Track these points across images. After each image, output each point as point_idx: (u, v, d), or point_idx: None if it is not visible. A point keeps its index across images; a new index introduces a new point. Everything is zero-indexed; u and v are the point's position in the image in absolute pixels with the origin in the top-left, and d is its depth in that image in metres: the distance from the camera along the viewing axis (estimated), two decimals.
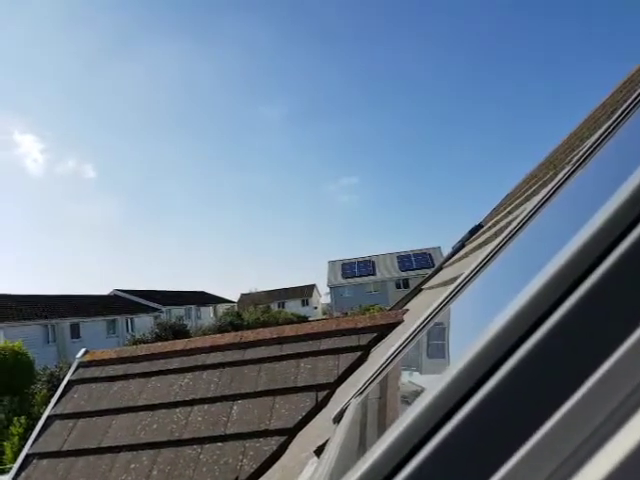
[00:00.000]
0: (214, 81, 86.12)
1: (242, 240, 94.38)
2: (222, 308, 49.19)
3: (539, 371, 0.40)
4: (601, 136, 1.07)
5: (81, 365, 3.10)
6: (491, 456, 0.39)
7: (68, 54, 73.67)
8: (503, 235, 1.09)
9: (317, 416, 2.30)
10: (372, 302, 39.28)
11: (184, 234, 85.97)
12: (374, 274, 48.86)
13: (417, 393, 0.75)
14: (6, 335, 24.86)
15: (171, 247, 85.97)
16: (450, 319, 1.05)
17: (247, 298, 57.75)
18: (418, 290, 5.18)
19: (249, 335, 3.04)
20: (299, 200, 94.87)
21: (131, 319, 37.82)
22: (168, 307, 41.91)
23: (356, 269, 50.04)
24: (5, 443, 13.46)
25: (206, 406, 2.56)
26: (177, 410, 2.59)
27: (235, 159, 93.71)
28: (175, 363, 2.94)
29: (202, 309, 48.62)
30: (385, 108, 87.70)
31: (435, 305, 1.13)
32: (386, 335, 2.76)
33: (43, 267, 73.35)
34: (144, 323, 35.94)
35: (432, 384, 0.54)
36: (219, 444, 2.32)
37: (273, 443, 2.25)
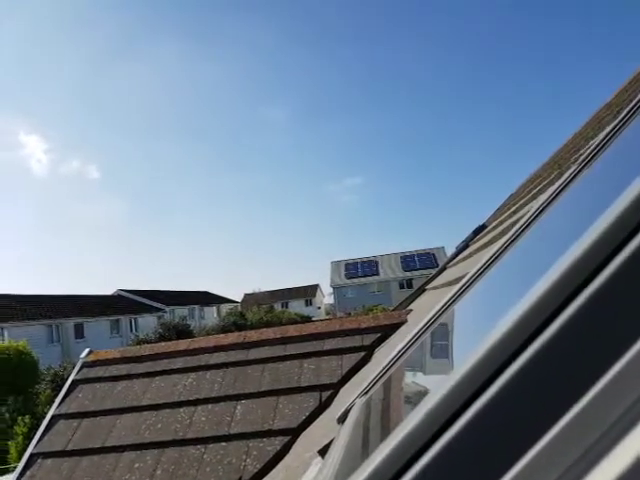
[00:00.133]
0: (216, 81, 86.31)
1: (246, 240, 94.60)
2: (225, 308, 49.26)
3: (544, 375, 0.40)
4: (607, 136, 1.07)
5: (85, 365, 3.11)
6: (495, 462, 0.39)
7: (72, 55, 73.95)
8: (508, 235, 1.09)
9: (321, 416, 2.30)
10: (375, 302, 39.24)
11: (188, 234, 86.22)
12: (377, 274, 48.82)
13: (421, 394, 0.75)
14: (10, 335, 24.95)
15: (175, 247, 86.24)
16: (454, 320, 1.05)
17: (250, 298, 57.85)
18: (422, 290, 5.17)
19: (253, 335, 3.04)
20: (302, 200, 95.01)
21: (135, 319, 37.91)
22: (171, 307, 41.99)
23: (359, 269, 50.02)
24: (9, 442, 13.52)
25: (210, 406, 2.56)
26: (181, 410, 2.59)
27: (238, 159, 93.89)
28: (179, 363, 2.94)
29: (205, 309, 48.69)
30: (387, 108, 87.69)
31: (439, 306, 1.12)
32: (390, 335, 2.76)
33: (47, 267, 73.71)
34: (148, 323, 36.01)
35: (437, 386, 0.54)
36: (223, 444, 2.33)
37: (277, 443, 2.25)
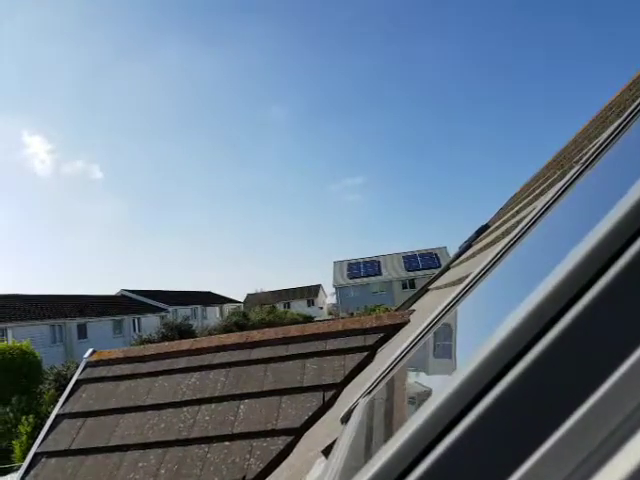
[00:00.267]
0: (217, 80, 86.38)
1: (248, 240, 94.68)
2: (228, 308, 49.31)
3: (549, 377, 0.40)
4: (610, 135, 1.06)
5: (89, 365, 3.12)
6: (499, 464, 0.39)
7: (74, 55, 74.11)
8: (511, 235, 1.09)
9: (324, 416, 2.30)
10: (378, 302, 39.19)
11: (190, 234, 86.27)
12: (380, 274, 48.77)
13: (425, 395, 0.75)
14: (14, 335, 25.04)
15: (178, 247, 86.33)
16: (458, 320, 1.05)
17: (253, 298, 57.88)
18: (425, 290, 5.17)
19: (255, 335, 3.05)
20: (304, 200, 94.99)
21: (138, 319, 37.98)
22: (174, 307, 42.05)
23: (362, 269, 49.98)
24: (14, 442, 13.56)
25: (213, 405, 2.57)
26: (184, 409, 2.60)
27: (240, 159, 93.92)
28: (182, 363, 2.95)
29: (208, 309, 48.75)
30: (390, 108, 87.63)
31: (443, 306, 1.13)
32: (392, 335, 2.76)
33: (51, 267, 73.90)
34: (150, 323, 36.08)
35: (440, 387, 0.54)
36: (226, 443, 2.33)
37: (280, 443, 2.25)
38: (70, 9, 72.47)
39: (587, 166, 1.10)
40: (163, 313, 39.98)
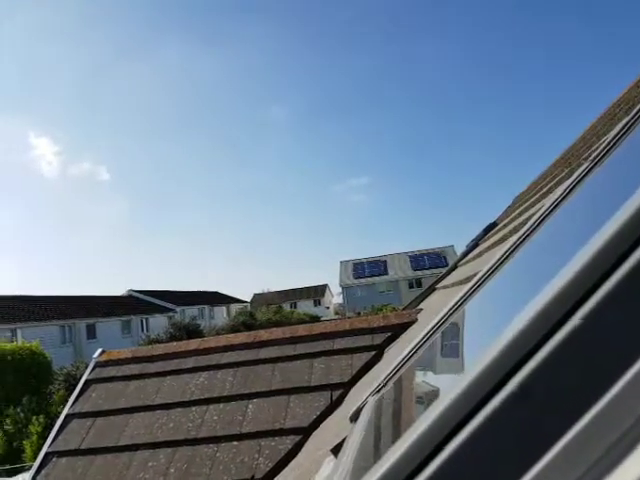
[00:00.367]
0: (219, 81, 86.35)
1: (253, 241, 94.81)
2: (235, 308, 49.44)
3: (557, 378, 0.39)
4: (619, 132, 1.06)
5: (98, 365, 3.14)
6: (508, 465, 0.39)
7: (79, 57, 74.49)
8: (520, 233, 1.08)
9: (332, 415, 2.31)
10: (384, 302, 39.13)
11: (197, 234, 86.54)
12: (386, 274, 48.69)
13: (434, 394, 0.75)
14: (23, 336, 25.23)
15: (185, 247, 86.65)
16: (466, 319, 1.04)
17: (260, 298, 58.01)
18: (432, 289, 5.16)
19: (263, 335, 3.05)
20: (310, 200, 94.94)
21: (146, 319, 38.17)
22: (182, 307, 42.22)
23: (368, 269, 49.92)
24: (24, 442, 13.69)
25: (221, 405, 2.58)
26: (193, 409, 2.61)
27: (242, 159, 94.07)
28: (190, 363, 2.96)
29: (215, 309, 48.90)
30: (390, 108, 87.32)
31: (451, 305, 1.12)
32: (400, 335, 2.75)
33: (59, 268, 74.39)
34: (158, 323, 36.23)
35: (449, 387, 0.54)
36: (235, 443, 2.34)
37: (288, 442, 2.26)
38: (71, 9, 72.83)
39: (596, 163, 1.09)
40: (171, 313, 40.14)
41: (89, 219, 77.32)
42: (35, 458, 2.69)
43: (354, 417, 1.16)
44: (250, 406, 2.52)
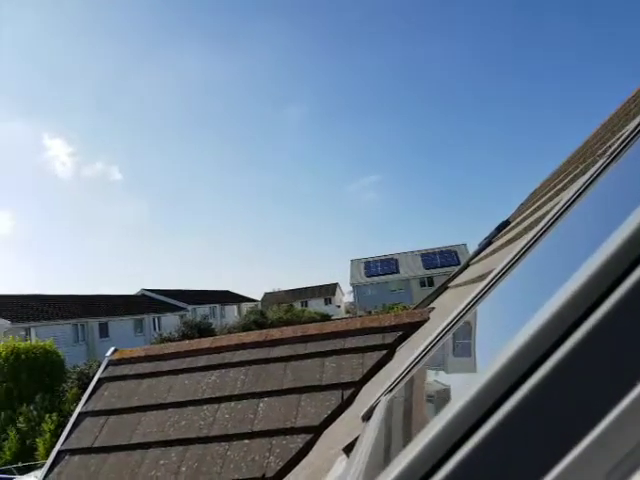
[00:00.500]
0: (234, 82, 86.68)
1: (264, 239, 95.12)
2: (246, 307, 49.64)
3: (575, 381, 0.38)
4: (637, 127, 1.03)
5: (111, 363, 3.16)
6: (524, 468, 0.38)
7: (92, 59, 75.19)
8: (535, 231, 1.06)
9: (343, 414, 2.30)
10: (395, 301, 39.06)
11: (208, 234, 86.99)
12: (397, 272, 48.55)
13: (446, 395, 0.73)
14: (37, 334, 25.58)
15: (196, 247, 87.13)
16: (480, 319, 1.03)
17: (270, 297, 58.17)
18: (444, 288, 5.12)
19: (274, 333, 3.05)
20: (320, 199, 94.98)
21: (158, 318, 38.48)
22: (193, 306, 42.50)
23: (379, 267, 49.81)
24: (38, 439, 13.87)
25: (233, 403, 2.58)
26: (204, 407, 2.61)
27: (257, 159, 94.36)
28: (202, 361, 2.97)
29: (226, 308, 49.16)
30: (404, 107, 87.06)
31: (464, 304, 1.11)
32: (412, 334, 2.74)
33: (71, 268, 75.29)
34: (170, 322, 36.53)
35: (464, 387, 0.53)
36: (246, 441, 2.34)
37: (299, 441, 2.25)
38: (86, 13, 73.61)
39: (613, 159, 1.07)
40: (182, 312, 40.43)
41: (103, 219, 78.17)
42: (48, 456, 2.72)
43: (366, 416, 1.15)
44: (261, 405, 2.52)
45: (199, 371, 2.90)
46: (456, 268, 5.74)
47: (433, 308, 3.22)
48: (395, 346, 2.69)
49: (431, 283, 43.48)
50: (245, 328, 28.99)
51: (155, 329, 36.52)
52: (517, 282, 0.99)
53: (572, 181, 2.52)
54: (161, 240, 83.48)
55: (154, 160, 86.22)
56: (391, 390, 1.08)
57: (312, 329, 2.99)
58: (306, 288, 64.95)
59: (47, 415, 14.46)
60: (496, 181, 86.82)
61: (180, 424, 2.55)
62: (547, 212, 1.88)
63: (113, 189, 79.72)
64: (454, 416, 0.45)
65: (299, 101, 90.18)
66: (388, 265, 49.80)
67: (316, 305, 58.50)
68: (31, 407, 15.63)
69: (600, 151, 2.39)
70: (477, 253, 5.21)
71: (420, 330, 2.68)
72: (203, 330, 28.29)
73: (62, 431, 2.78)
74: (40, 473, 2.62)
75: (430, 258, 48.53)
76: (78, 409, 2.87)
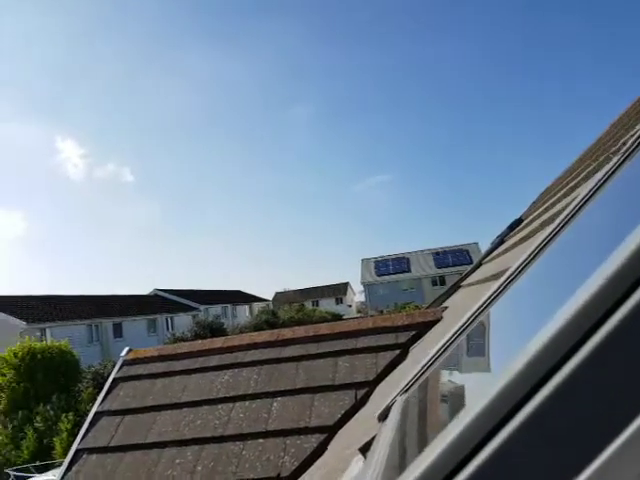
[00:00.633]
0: (242, 82, 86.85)
1: (275, 239, 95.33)
2: (257, 307, 49.79)
3: (597, 385, 0.38)
4: None
5: (125, 363, 3.19)
6: (555, 462, 0.38)
7: (102, 61, 75.82)
8: (549, 231, 1.06)
9: (357, 414, 2.30)
10: (407, 300, 38.90)
11: (219, 234, 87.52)
12: (409, 271, 48.33)
13: (464, 396, 0.73)
14: (52, 335, 25.89)
15: (208, 247, 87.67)
16: (494, 320, 1.03)
17: (281, 297, 58.32)
18: (457, 287, 5.10)
19: (286, 333, 3.06)
20: (331, 199, 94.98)
21: (171, 318, 38.75)
22: (205, 306, 42.72)
23: (390, 266, 49.63)
24: (55, 439, 14.04)
25: (247, 403, 2.60)
26: (219, 407, 2.63)
27: (268, 159, 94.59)
28: (214, 361, 2.98)
29: (238, 307, 49.37)
30: (413, 107, 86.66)
31: (479, 303, 1.10)
32: (425, 333, 2.73)
33: (84, 269, 76.09)
34: (183, 322, 36.75)
35: (481, 389, 0.53)
36: (260, 440, 2.35)
37: (313, 440, 2.26)
38: (95, 14, 74.24)
39: (628, 156, 1.06)
40: (195, 312, 40.66)
41: (115, 220, 78.87)
42: (65, 455, 2.75)
43: (382, 416, 1.15)
44: (275, 404, 2.53)
45: (212, 370, 2.92)
46: (468, 267, 5.71)
47: (446, 307, 3.21)
48: (408, 346, 2.69)
49: (443, 282, 43.23)
50: (257, 328, 29.08)
51: (168, 329, 36.78)
52: (532, 282, 0.98)
53: (585, 178, 2.50)
54: (172, 241, 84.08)
55: (164, 161, 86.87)
56: (407, 390, 1.08)
57: (324, 329, 2.99)
58: (317, 288, 64.95)
59: (63, 415, 14.62)
60: (504, 181, 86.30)
61: (195, 423, 2.57)
62: (561, 210, 1.87)
63: (125, 190, 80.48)
64: (472, 420, 0.45)
65: (306, 101, 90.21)
66: (399, 264, 49.60)
67: (327, 305, 58.45)
68: (48, 407, 15.82)
69: (614, 148, 2.36)
70: (490, 251, 5.17)
71: (433, 329, 2.67)
72: (215, 330, 28.43)
73: (79, 430, 2.81)
74: (58, 472, 2.66)
75: (442, 257, 48.25)
76: (94, 409, 2.90)
